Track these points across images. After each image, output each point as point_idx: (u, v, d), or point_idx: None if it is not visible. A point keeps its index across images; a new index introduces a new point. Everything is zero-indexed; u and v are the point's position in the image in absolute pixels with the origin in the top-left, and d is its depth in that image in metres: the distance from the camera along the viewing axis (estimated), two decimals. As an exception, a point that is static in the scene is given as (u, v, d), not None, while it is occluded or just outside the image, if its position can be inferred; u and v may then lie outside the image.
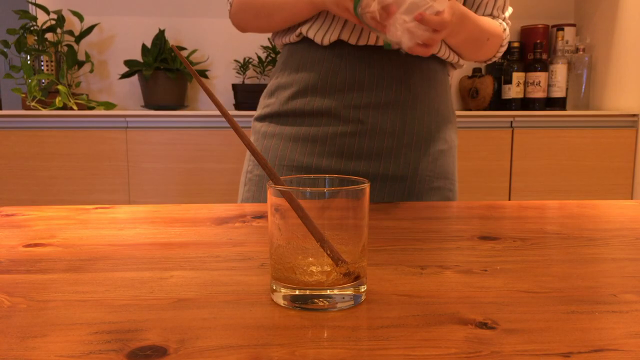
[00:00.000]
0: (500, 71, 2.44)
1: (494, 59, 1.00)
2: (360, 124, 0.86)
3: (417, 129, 0.88)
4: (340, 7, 0.78)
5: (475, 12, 0.93)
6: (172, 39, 2.47)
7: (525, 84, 2.37)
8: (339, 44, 0.87)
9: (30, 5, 2.36)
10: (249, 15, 0.94)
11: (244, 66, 2.41)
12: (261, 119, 0.95)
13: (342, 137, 0.87)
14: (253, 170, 0.93)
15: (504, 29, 0.97)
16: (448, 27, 0.76)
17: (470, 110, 2.44)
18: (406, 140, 0.88)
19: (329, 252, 0.41)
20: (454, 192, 0.95)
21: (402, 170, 0.88)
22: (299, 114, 0.89)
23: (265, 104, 0.95)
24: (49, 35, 2.31)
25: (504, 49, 0.98)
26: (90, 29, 2.32)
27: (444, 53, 0.90)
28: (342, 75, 0.87)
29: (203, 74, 2.45)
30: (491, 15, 0.96)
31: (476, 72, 2.46)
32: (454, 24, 0.79)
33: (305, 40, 0.90)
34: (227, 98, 2.46)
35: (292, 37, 0.91)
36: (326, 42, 0.87)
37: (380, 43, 0.86)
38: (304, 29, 0.88)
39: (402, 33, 0.72)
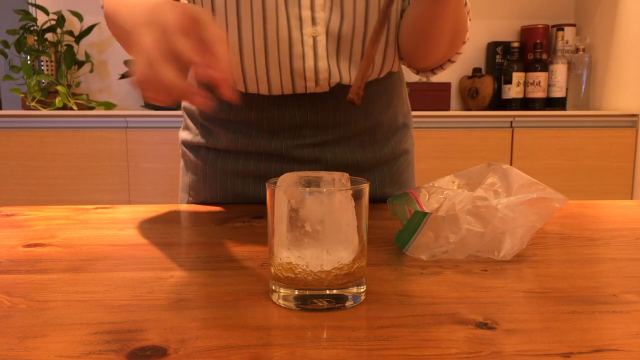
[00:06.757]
0: (500, 71, 2.44)
1: (448, 65, 0.77)
2: (317, 162, 0.77)
3: (379, 153, 0.80)
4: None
5: None
6: (172, 39, 2.46)
7: (525, 84, 2.37)
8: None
9: (29, 6, 2.35)
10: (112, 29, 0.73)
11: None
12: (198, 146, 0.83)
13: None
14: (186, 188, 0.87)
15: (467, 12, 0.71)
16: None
17: (470, 110, 2.44)
18: (370, 164, 0.80)
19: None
20: None
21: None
22: (242, 152, 0.79)
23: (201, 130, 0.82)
24: (48, 36, 2.31)
25: (464, 47, 0.75)
26: (89, 29, 2.32)
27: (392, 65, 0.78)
28: (291, 115, 0.76)
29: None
30: None
31: (476, 72, 2.46)
32: None
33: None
34: (227, 98, 2.46)
35: None
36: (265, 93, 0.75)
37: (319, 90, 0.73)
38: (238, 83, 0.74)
39: None
